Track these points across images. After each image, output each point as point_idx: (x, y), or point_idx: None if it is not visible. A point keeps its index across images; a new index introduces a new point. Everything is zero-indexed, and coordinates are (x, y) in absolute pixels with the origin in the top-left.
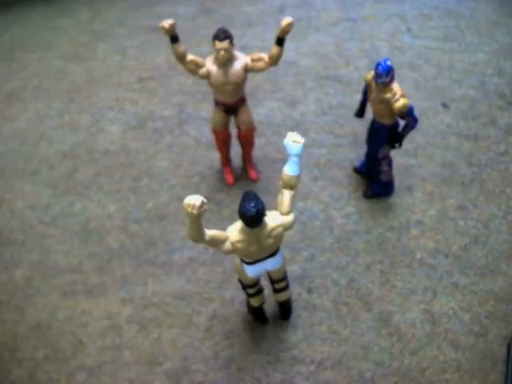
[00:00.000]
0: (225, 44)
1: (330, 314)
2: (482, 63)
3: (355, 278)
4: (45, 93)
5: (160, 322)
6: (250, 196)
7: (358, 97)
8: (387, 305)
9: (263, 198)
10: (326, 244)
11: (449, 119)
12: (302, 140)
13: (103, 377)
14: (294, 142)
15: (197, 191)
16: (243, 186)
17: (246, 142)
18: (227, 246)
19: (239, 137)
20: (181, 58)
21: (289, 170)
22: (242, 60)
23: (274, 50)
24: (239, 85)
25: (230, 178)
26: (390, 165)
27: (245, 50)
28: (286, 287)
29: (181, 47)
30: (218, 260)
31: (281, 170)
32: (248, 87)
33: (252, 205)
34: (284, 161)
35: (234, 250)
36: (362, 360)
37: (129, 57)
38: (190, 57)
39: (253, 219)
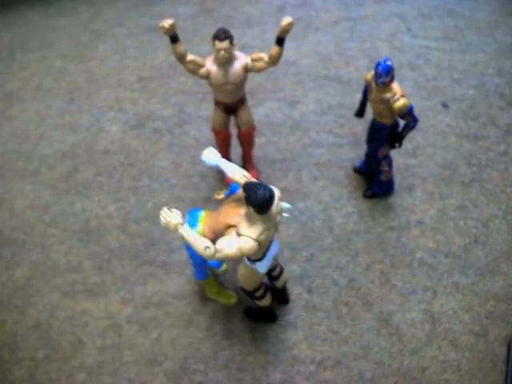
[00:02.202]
0: (225, 44)
1: (329, 314)
2: (481, 63)
3: (355, 278)
4: (45, 93)
5: (160, 322)
6: (253, 184)
7: (358, 97)
8: (387, 305)
9: None
10: (325, 244)
11: (449, 119)
12: (218, 155)
13: (103, 376)
14: (210, 156)
15: (197, 191)
16: None
17: (246, 142)
18: (253, 244)
19: (239, 137)
20: (181, 58)
21: (229, 173)
22: (241, 60)
23: (274, 49)
24: (239, 84)
25: (229, 178)
26: (390, 164)
27: (245, 49)
28: (282, 269)
29: (181, 47)
30: None
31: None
32: (248, 87)
33: (262, 189)
34: (283, 160)
35: (259, 245)
36: (362, 360)
37: (129, 57)
38: (190, 57)
39: (270, 200)
